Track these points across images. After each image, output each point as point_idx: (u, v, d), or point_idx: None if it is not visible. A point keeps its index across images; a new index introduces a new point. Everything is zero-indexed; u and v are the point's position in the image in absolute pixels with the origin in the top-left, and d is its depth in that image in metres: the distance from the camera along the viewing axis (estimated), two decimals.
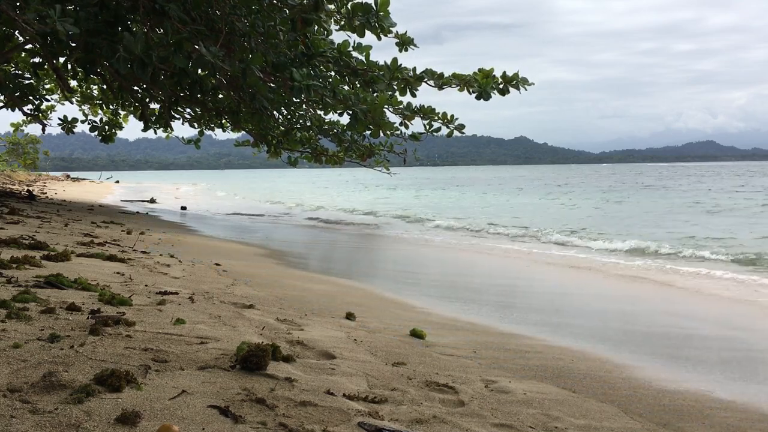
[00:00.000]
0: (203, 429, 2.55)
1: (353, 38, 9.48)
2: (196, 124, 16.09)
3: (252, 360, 3.34)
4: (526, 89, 9.88)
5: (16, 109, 14.37)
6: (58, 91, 16.60)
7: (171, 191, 44.83)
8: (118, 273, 6.16)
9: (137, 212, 19.20)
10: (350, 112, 9.69)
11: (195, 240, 12.30)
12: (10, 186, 25.81)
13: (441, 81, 10.28)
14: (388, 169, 15.12)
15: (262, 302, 5.87)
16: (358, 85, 10.55)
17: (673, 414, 3.88)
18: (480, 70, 10.01)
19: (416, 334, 5.27)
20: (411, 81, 10.30)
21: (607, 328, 6.67)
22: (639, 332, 6.47)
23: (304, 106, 12.53)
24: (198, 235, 14.06)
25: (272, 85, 10.10)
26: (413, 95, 10.53)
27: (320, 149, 15.25)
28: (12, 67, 14.43)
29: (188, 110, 15.49)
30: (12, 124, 20.44)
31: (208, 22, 8.37)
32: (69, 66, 12.42)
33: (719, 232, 16.86)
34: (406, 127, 11.03)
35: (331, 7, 9.14)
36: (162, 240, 10.62)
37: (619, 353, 5.48)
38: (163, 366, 3.23)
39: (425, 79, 10.37)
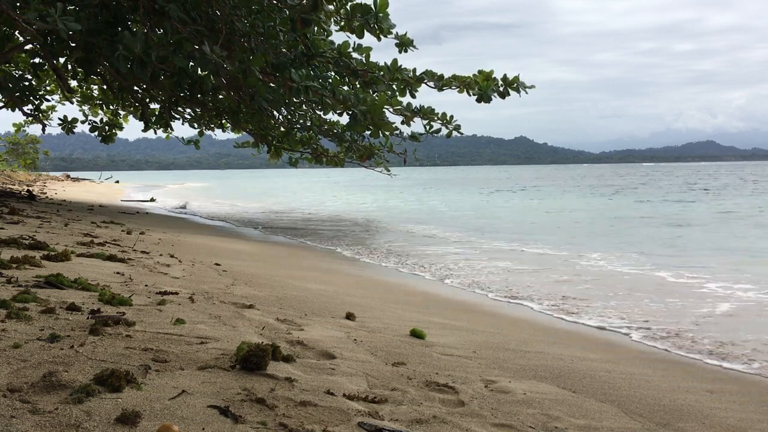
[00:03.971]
0: (203, 429, 2.55)
1: (353, 39, 9.50)
2: (196, 124, 16.11)
3: (252, 360, 3.34)
4: (526, 92, 9.93)
5: (17, 109, 14.37)
6: (59, 92, 16.61)
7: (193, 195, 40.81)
8: (118, 273, 6.16)
9: (137, 212, 19.21)
10: (350, 113, 9.70)
11: (195, 240, 12.30)
12: (10, 186, 25.80)
13: (441, 83, 10.31)
14: (388, 170, 15.15)
15: (262, 302, 5.87)
16: (358, 86, 10.56)
17: (673, 414, 3.88)
18: (480, 71, 10.04)
19: (416, 334, 5.27)
20: (411, 82, 10.32)
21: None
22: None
23: (303, 107, 12.54)
24: (199, 234, 14.06)
25: (272, 85, 10.11)
26: (413, 96, 10.55)
27: (321, 149, 15.26)
28: (12, 67, 14.44)
29: (188, 110, 15.51)
30: (14, 125, 20.47)
31: (208, 23, 8.38)
32: (69, 66, 12.44)
33: None
34: (408, 125, 11.05)
35: (331, 7, 9.15)
36: (162, 240, 10.62)
37: None
38: (163, 366, 3.23)
39: (425, 81, 10.39)
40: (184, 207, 26.38)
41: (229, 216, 22.78)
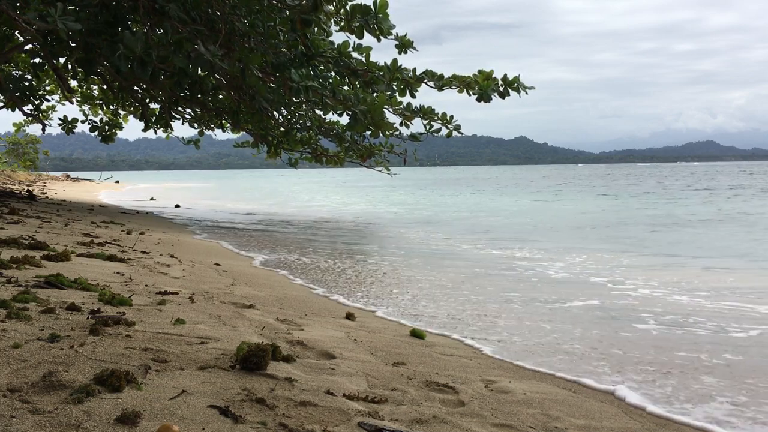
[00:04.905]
0: (203, 429, 2.55)
1: (353, 39, 9.50)
2: (196, 124, 16.12)
3: (252, 360, 3.34)
4: (526, 93, 9.94)
5: (17, 109, 14.37)
6: (59, 92, 16.61)
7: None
8: (118, 273, 6.16)
9: (137, 212, 19.22)
10: (350, 113, 9.70)
11: (195, 240, 12.30)
12: (10, 186, 25.79)
13: (441, 82, 10.32)
14: (389, 170, 15.16)
15: (262, 302, 5.88)
16: (358, 86, 10.57)
17: None
18: (480, 71, 10.05)
19: (416, 335, 5.27)
20: (411, 82, 10.33)
21: None
22: None
23: (303, 107, 12.55)
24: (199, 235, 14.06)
25: (272, 85, 10.12)
26: (413, 96, 10.56)
27: (320, 149, 15.27)
28: (12, 67, 14.44)
29: (188, 110, 15.51)
30: (14, 124, 20.46)
31: (208, 22, 8.38)
32: (69, 66, 12.43)
33: None
34: (407, 126, 11.06)
35: (331, 8, 9.15)
36: (162, 240, 10.63)
37: None
38: (163, 366, 3.24)
39: (425, 80, 10.40)
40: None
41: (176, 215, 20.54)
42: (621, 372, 4.71)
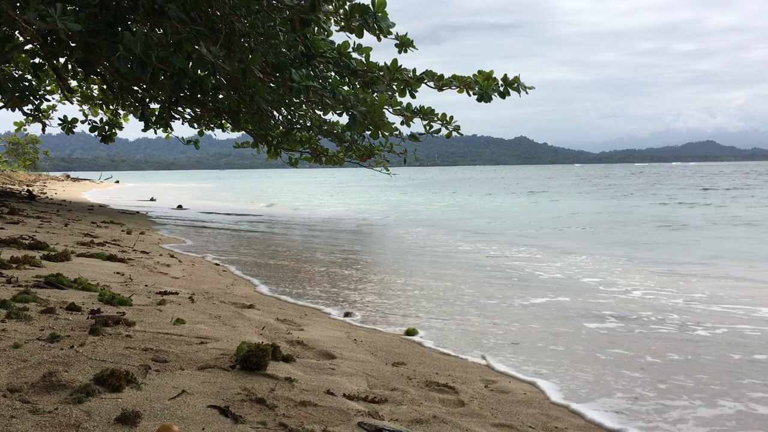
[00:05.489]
0: (203, 429, 2.55)
1: (353, 39, 9.50)
2: (196, 125, 16.11)
3: (252, 360, 3.34)
4: (526, 92, 9.93)
5: (17, 109, 14.37)
6: (59, 92, 16.60)
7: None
8: (118, 273, 6.16)
9: (137, 212, 19.22)
10: (350, 114, 9.70)
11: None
12: (10, 186, 25.79)
13: (441, 82, 10.32)
14: (388, 170, 15.14)
15: (262, 302, 5.88)
16: (358, 86, 10.57)
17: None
18: (480, 71, 10.05)
19: (409, 333, 5.27)
20: (411, 82, 10.33)
21: None
22: None
23: (303, 107, 12.55)
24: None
25: (272, 85, 10.11)
26: (413, 96, 10.56)
27: (320, 149, 15.26)
28: (12, 67, 14.44)
29: (188, 110, 15.51)
30: (15, 123, 20.47)
31: (207, 22, 8.38)
32: (69, 66, 12.44)
33: None
34: (408, 125, 11.05)
35: (330, 8, 9.15)
36: (162, 240, 10.63)
37: None
38: (163, 366, 3.24)
39: (425, 81, 10.40)
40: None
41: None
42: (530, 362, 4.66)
